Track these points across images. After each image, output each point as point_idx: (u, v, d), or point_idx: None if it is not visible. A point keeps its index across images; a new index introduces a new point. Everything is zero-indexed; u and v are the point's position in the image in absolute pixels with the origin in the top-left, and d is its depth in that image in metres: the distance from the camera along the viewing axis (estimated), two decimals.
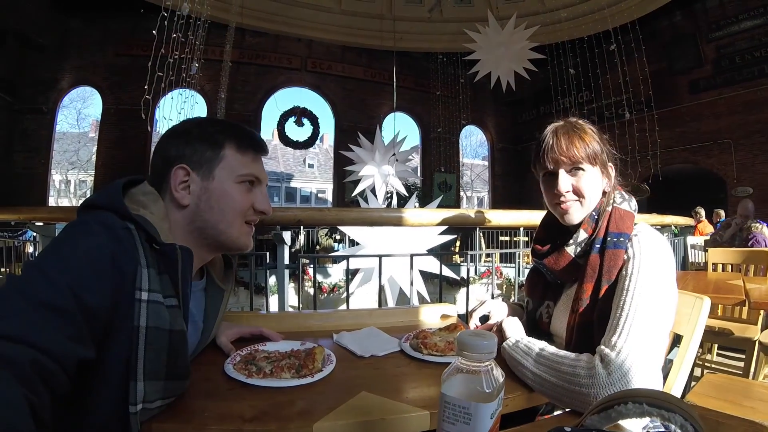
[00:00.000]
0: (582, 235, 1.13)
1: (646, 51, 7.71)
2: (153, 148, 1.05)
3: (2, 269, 4.27)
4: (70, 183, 25.84)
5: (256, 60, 12.73)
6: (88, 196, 1.18)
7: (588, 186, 1.12)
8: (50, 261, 0.71)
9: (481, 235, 9.03)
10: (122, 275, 0.76)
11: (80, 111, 24.68)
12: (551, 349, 0.99)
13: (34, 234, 4.39)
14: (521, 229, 3.34)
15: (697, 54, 10.76)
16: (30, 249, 5.94)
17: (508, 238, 10.41)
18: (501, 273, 7.38)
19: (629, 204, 1.14)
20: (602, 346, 0.92)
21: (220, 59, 9.28)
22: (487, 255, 8.72)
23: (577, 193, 1.13)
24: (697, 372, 3.20)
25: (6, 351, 0.56)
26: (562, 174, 1.12)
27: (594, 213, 1.14)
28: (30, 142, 11.32)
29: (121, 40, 11.44)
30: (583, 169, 1.11)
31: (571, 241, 1.14)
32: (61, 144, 20.16)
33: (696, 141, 10.83)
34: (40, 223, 3.21)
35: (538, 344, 1.02)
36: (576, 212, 1.14)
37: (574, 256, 1.13)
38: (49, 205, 13.05)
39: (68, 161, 24.42)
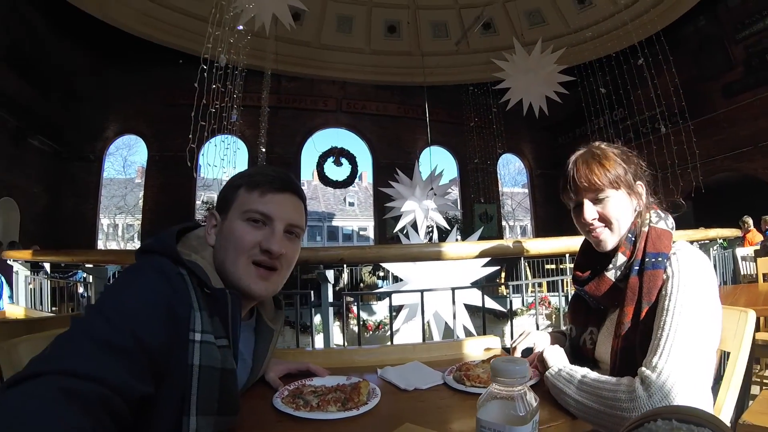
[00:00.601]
0: (621, 258, 1.12)
1: (674, 61, 7.59)
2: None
3: (54, 308, 4.48)
4: (117, 227, 27.29)
5: (293, 104, 13.22)
6: (145, 241, 1.25)
7: (615, 211, 1.12)
8: (111, 304, 0.78)
9: (526, 264, 8.83)
10: (177, 318, 0.82)
11: (126, 158, 26.05)
12: (593, 375, 0.99)
13: (85, 275, 4.65)
14: (566, 255, 3.28)
15: (726, 57, 10.32)
16: (81, 289, 6.24)
17: (554, 266, 10.11)
18: (549, 303, 7.17)
19: (666, 222, 1.13)
20: (643, 368, 0.91)
21: (258, 105, 9.69)
22: (535, 285, 8.52)
23: (605, 220, 1.13)
24: (756, 390, 2.99)
25: (76, 386, 0.62)
26: (587, 204, 1.13)
27: (630, 235, 1.13)
28: (78, 188, 12.08)
29: (163, 90, 12.16)
30: (607, 196, 1.12)
31: (611, 265, 1.14)
32: (108, 189, 21.27)
33: (736, 147, 10.28)
34: (90, 265, 3.42)
35: (580, 371, 1.01)
36: (608, 238, 1.14)
37: (614, 280, 1.13)
38: (98, 248, 13.77)
39: (116, 206, 25.85)
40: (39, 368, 0.63)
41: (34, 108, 10.56)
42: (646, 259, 1.06)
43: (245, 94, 7.79)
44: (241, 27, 5.93)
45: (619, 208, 1.12)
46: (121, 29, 9.95)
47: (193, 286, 0.89)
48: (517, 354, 1.29)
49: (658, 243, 1.08)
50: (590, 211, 1.13)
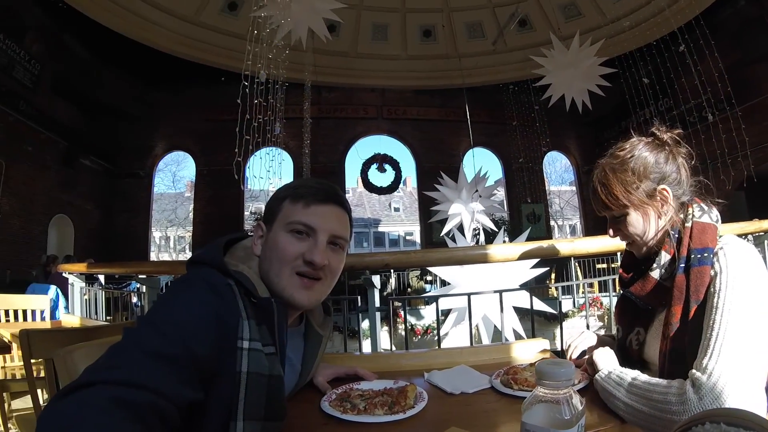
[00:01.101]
0: (664, 257, 1.08)
1: (716, 45, 7.19)
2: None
3: (109, 317, 4.68)
4: (169, 239, 28.46)
5: (334, 114, 13.47)
6: (195, 252, 1.30)
7: (632, 229, 1.12)
8: (162, 315, 0.83)
9: (576, 264, 8.58)
10: (225, 327, 0.86)
11: (175, 173, 27.01)
12: (643, 377, 0.96)
13: (138, 285, 4.84)
14: (618, 254, 3.17)
15: None
16: (134, 299, 6.54)
17: (605, 266, 9.73)
18: (601, 304, 6.93)
19: (710, 215, 1.08)
20: (693, 370, 0.88)
21: (300, 117, 9.91)
22: (585, 285, 8.26)
23: (625, 237, 1.14)
24: None
25: (128, 395, 0.65)
26: (609, 222, 1.17)
27: (673, 232, 1.09)
28: (130, 204, 12.86)
29: (207, 107, 12.72)
30: (622, 215, 1.12)
31: (655, 264, 1.10)
32: (159, 204, 22.23)
33: None
34: (143, 276, 3.58)
35: (630, 374, 0.98)
36: (637, 249, 1.15)
37: (659, 279, 1.09)
38: (151, 259, 14.54)
39: (167, 219, 26.99)
40: (92, 378, 0.66)
41: (84, 130, 11.32)
42: (692, 256, 1.02)
43: (287, 106, 7.98)
44: (278, 42, 6.08)
45: (635, 225, 1.12)
46: (163, 52, 10.42)
47: (240, 296, 0.92)
48: (576, 354, 1.28)
49: (703, 238, 1.03)
50: (611, 229, 1.17)
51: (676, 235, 1.08)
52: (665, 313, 1.06)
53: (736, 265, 0.96)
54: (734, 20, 10.19)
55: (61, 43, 10.39)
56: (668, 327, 1.02)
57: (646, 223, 1.11)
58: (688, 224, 1.07)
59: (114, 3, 9.02)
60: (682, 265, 1.04)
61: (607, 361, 1.09)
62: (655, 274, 1.10)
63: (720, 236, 1.05)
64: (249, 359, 0.87)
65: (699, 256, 1.01)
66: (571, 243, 2.34)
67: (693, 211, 1.09)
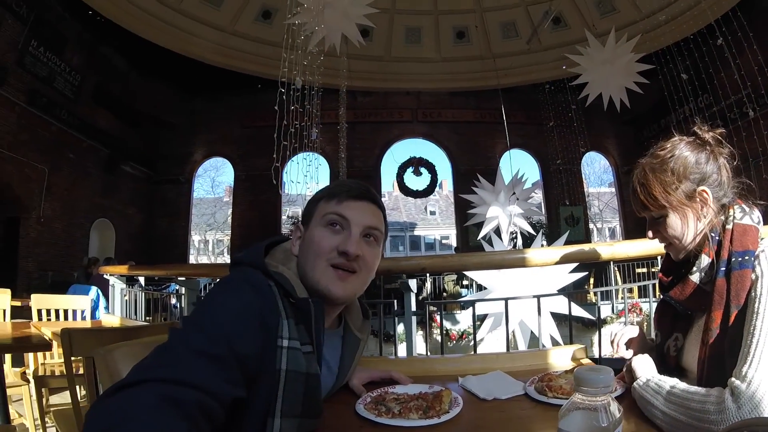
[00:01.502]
0: (704, 260, 1.05)
1: (755, 37, 6.83)
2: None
3: (148, 317, 4.81)
4: (208, 242, 29.28)
5: (369, 118, 13.56)
6: (235, 254, 1.34)
7: (671, 231, 1.09)
8: (207, 316, 0.85)
9: (616, 268, 8.32)
10: (267, 327, 0.88)
11: (214, 179, 27.56)
12: (682, 385, 0.93)
13: (177, 287, 4.95)
14: (658, 258, 3.07)
15: None
16: (173, 300, 6.73)
17: (645, 270, 9.33)
18: (640, 310, 6.69)
19: (751, 217, 1.04)
20: (732, 378, 0.85)
21: (336, 122, 9.98)
22: (625, 290, 8.01)
23: (664, 240, 1.11)
24: None
25: (174, 393, 0.68)
26: (648, 223, 1.14)
27: (714, 234, 1.05)
28: (170, 208, 13.31)
29: (245, 114, 13.06)
30: (661, 216, 1.09)
31: (695, 268, 1.07)
32: (198, 208, 22.75)
33: None
34: (183, 278, 3.67)
35: (669, 382, 0.95)
36: (675, 252, 1.12)
37: (699, 283, 1.05)
38: (190, 262, 14.93)
39: (206, 223, 27.74)
40: (141, 376, 0.69)
41: (125, 138, 11.80)
42: (732, 259, 0.98)
43: (323, 111, 8.07)
44: (312, 48, 6.16)
45: (674, 227, 1.08)
46: (201, 61, 10.69)
47: (280, 296, 0.94)
48: (621, 350, 1.25)
49: (744, 240, 0.99)
50: (650, 231, 1.14)
51: (717, 238, 1.05)
52: (705, 319, 1.02)
53: None
54: None
55: (100, 55, 10.87)
56: (708, 333, 0.99)
57: (685, 225, 1.07)
58: (729, 226, 1.03)
59: (151, 15, 9.34)
60: (723, 268, 1.00)
61: (645, 368, 1.05)
62: (695, 277, 1.06)
63: (761, 238, 1.01)
64: (288, 357, 0.89)
65: (740, 259, 0.98)
66: (611, 246, 2.27)
67: (734, 213, 1.05)
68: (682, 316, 1.15)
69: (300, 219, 1.13)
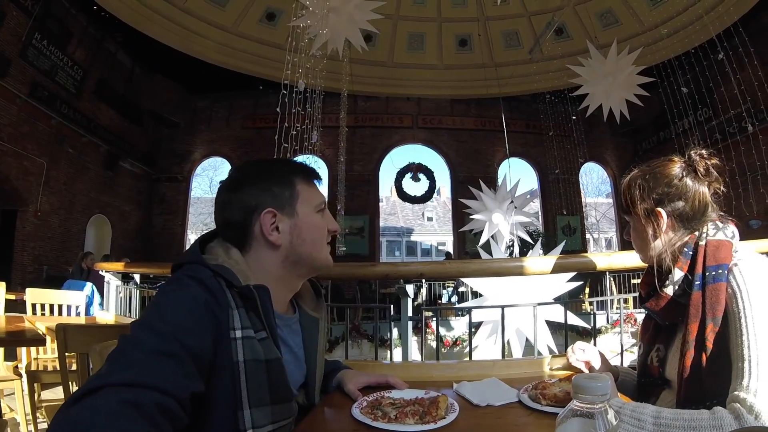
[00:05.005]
0: (678, 273, 1.09)
1: (756, 53, 6.92)
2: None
3: None
4: None
5: (370, 122, 13.60)
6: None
7: (633, 237, 1.20)
8: (155, 316, 0.86)
9: (611, 279, 8.34)
10: (216, 318, 0.89)
11: (212, 179, 27.62)
12: (667, 413, 0.91)
13: None
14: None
15: None
16: None
17: (640, 281, 9.29)
18: (635, 320, 6.68)
19: (724, 232, 1.07)
20: (737, 393, 0.86)
21: (336, 125, 10.01)
22: (620, 300, 8.01)
23: (632, 243, 1.21)
24: None
25: (133, 396, 0.69)
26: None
27: (687, 249, 1.08)
28: (168, 206, 13.33)
29: (246, 115, 13.13)
30: (627, 222, 1.18)
31: (668, 281, 1.10)
32: (196, 207, 22.64)
33: None
34: None
35: (648, 411, 0.92)
36: (641, 257, 1.21)
37: (672, 295, 1.09)
38: None
39: (203, 223, 27.46)
40: (99, 383, 0.70)
41: (125, 134, 11.83)
42: (707, 273, 1.01)
43: (324, 115, 8.09)
44: (315, 52, 6.18)
45: (634, 236, 1.21)
46: (204, 61, 10.69)
47: (226, 288, 0.94)
48: (573, 358, 1.35)
49: (717, 255, 1.02)
50: (624, 233, 1.25)
51: (690, 253, 1.08)
52: (683, 331, 1.04)
53: (753, 282, 0.94)
54: None
55: (104, 51, 10.91)
56: (686, 345, 1.01)
57: (639, 239, 1.17)
58: (702, 243, 1.07)
59: (157, 13, 9.34)
60: (698, 282, 1.03)
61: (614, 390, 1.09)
62: (669, 290, 1.10)
63: (735, 251, 1.03)
64: (244, 348, 0.90)
65: (714, 273, 1.01)
66: (608, 257, 2.27)
67: (707, 230, 1.09)
68: (664, 328, 1.18)
69: (261, 204, 1.05)
